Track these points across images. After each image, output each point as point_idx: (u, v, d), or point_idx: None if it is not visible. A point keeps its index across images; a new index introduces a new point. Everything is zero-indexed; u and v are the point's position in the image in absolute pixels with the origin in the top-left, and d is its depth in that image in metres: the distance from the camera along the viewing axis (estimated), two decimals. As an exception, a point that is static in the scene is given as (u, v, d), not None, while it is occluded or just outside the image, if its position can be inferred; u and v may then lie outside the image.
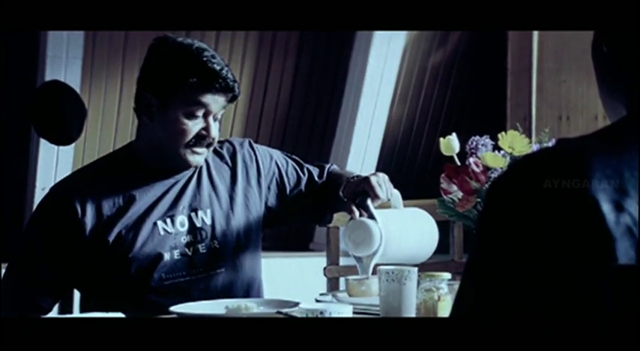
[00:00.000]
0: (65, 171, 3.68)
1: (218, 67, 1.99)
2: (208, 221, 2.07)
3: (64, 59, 3.56)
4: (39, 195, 3.67)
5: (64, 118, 3.61)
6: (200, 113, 2.00)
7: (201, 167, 2.12)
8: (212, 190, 2.10)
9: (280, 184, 2.20)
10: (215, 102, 2.01)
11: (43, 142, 3.61)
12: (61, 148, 3.65)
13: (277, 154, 2.25)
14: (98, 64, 3.67)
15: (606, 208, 0.84)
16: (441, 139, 2.02)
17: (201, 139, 2.02)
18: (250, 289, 2.13)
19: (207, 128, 2.01)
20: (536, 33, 3.95)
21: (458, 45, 4.43)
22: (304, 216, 2.30)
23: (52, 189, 2.09)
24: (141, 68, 2.08)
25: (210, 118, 2.01)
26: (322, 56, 4.18)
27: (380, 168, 4.38)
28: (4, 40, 3.43)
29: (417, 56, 4.34)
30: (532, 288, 0.86)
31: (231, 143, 2.22)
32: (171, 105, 2.00)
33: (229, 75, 2.01)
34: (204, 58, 1.99)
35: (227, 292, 2.05)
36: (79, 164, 3.74)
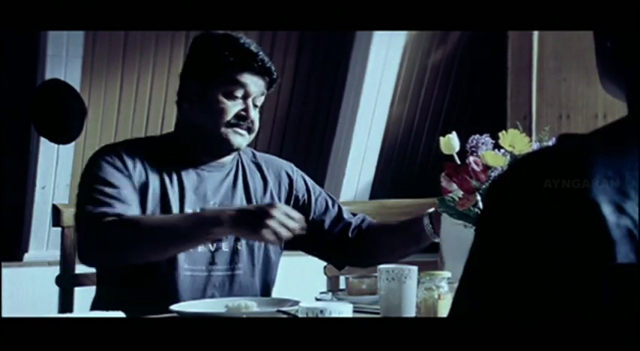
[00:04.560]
0: (65, 170, 3.68)
1: (255, 50, 2.05)
2: None
3: (64, 58, 3.55)
4: (39, 194, 3.67)
5: (64, 116, 3.61)
6: (239, 94, 2.04)
7: (237, 169, 2.14)
8: (244, 194, 2.13)
9: (306, 207, 2.21)
10: (254, 83, 2.05)
11: (43, 140, 3.61)
12: (61, 146, 3.65)
13: (312, 182, 2.28)
14: (98, 63, 3.67)
15: (607, 210, 0.84)
16: (441, 137, 2.02)
17: (241, 119, 2.04)
18: (263, 295, 2.14)
19: (246, 109, 2.04)
20: (536, 32, 3.95)
21: (458, 44, 4.43)
22: (323, 251, 2.29)
23: (105, 148, 2.07)
24: (184, 62, 2.15)
25: (250, 101, 2.05)
26: (322, 55, 4.18)
27: (380, 167, 4.38)
28: (4, 39, 3.43)
29: (417, 55, 4.34)
30: (531, 288, 0.86)
31: (272, 157, 2.27)
32: (210, 87, 2.04)
33: (266, 58, 2.06)
34: (242, 41, 2.06)
35: (241, 294, 2.07)
36: (79, 163, 3.74)
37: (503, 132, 1.97)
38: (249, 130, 2.07)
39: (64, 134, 3.60)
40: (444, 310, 1.67)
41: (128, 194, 1.98)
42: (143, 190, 2.01)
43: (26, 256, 3.78)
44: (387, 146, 4.43)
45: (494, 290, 0.88)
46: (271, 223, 1.81)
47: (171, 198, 2.02)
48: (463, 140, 2.00)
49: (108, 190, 1.96)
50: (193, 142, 2.07)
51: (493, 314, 0.87)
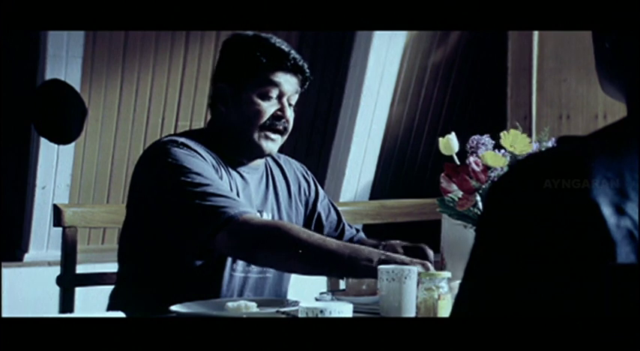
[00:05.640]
0: (65, 170, 3.68)
1: (287, 49, 2.06)
2: None
3: (64, 58, 3.56)
4: (39, 194, 3.67)
5: (64, 117, 3.61)
6: (274, 94, 2.04)
7: (267, 171, 2.17)
8: (274, 196, 2.15)
9: (312, 209, 2.26)
10: (287, 82, 2.05)
11: (43, 140, 3.61)
12: (61, 146, 3.65)
13: (320, 186, 2.31)
14: (98, 63, 3.67)
15: (607, 211, 0.84)
16: (440, 138, 2.02)
17: (277, 120, 2.05)
18: (285, 297, 2.18)
19: (282, 109, 2.05)
20: (536, 32, 3.95)
21: (458, 44, 4.43)
22: None
23: (172, 140, 2.02)
24: (215, 65, 2.15)
25: (285, 100, 2.05)
26: (322, 56, 4.18)
27: (380, 167, 4.38)
28: (4, 39, 3.43)
29: (417, 55, 4.34)
30: (532, 289, 0.86)
31: (287, 157, 2.29)
32: (244, 89, 2.04)
33: (298, 56, 2.07)
34: (273, 41, 2.06)
35: (273, 296, 2.11)
36: (79, 163, 3.74)
37: (505, 132, 1.97)
38: (285, 131, 2.08)
39: (64, 134, 3.60)
40: (443, 311, 1.67)
41: (228, 187, 1.99)
42: None
43: (26, 256, 3.78)
44: (387, 146, 4.43)
45: (494, 291, 0.88)
46: None
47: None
48: (463, 141, 2.00)
49: (216, 184, 1.94)
50: (227, 144, 2.07)
51: (493, 314, 0.87)
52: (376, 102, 4.23)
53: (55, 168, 3.69)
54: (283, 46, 2.06)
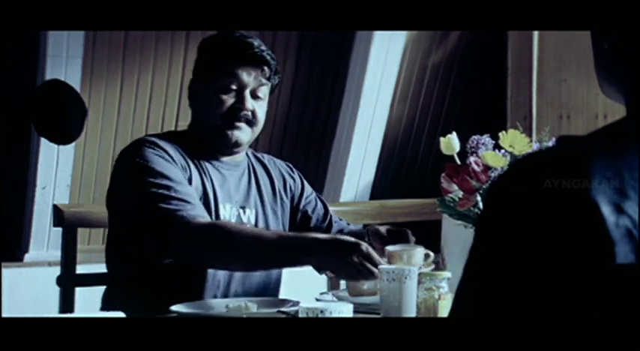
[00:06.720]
0: (65, 170, 3.68)
1: (250, 41, 2.06)
2: (252, 220, 2.11)
3: (64, 58, 3.56)
4: (39, 194, 3.67)
5: (65, 117, 3.61)
6: (234, 86, 2.06)
7: (249, 168, 2.17)
8: (257, 193, 2.16)
9: (298, 203, 2.26)
10: (247, 73, 2.05)
11: (43, 141, 3.61)
12: (61, 147, 3.65)
13: (306, 182, 2.32)
14: (98, 63, 3.68)
15: (606, 210, 0.84)
16: (441, 138, 2.02)
17: (236, 112, 2.05)
18: (276, 292, 2.18)
19: (240, 101, 2.04)
20: (536, 32, 3.95)
21: (458, 44, 4.43)
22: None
23: (144, 141, 2.03)
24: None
25: (246, 93, 2.06)
26: (322, 56, 4.19)
27: (380, 167, 4.38)
28: (4, 39, 3.43)
29: (417, 55, 4.34)
30: (530, 288, 0.86)
31: (272, 157, 2.30)
32: (208, 83, 2.06)
33: (263, 48, 2.07)
34: (238, 34, 2.08)
35: (259, 291, 2.10)
36: (79, 163, 3.74)
37: (503, 132, 1.97)
38: (249, 123, 2.07)
39: (64, 134, 3.60)
40: (444, 311, 1.67)
41: (191, 190, 1.99)
42: (189, 184, 2.02)
43: (26, 257, 3.78)
44: (387, 147, 4.43)
45: (493, 291, 0.88)
46: (358, 260, 1.79)
47: (209, 193, 2.03)
48: (463, 140, 2.00)
49: (177, 187, 1.95)
50: (202, 139, 2.09)
51: (492, 314, 0.87)
52: (376, 102, 4.23)
53: (55, 168, 3.69)
54: (248, 40, 2.06)
